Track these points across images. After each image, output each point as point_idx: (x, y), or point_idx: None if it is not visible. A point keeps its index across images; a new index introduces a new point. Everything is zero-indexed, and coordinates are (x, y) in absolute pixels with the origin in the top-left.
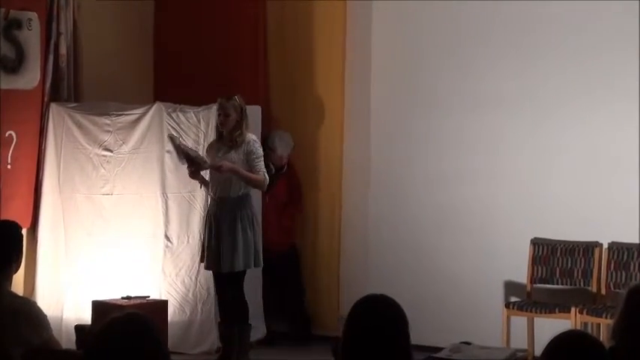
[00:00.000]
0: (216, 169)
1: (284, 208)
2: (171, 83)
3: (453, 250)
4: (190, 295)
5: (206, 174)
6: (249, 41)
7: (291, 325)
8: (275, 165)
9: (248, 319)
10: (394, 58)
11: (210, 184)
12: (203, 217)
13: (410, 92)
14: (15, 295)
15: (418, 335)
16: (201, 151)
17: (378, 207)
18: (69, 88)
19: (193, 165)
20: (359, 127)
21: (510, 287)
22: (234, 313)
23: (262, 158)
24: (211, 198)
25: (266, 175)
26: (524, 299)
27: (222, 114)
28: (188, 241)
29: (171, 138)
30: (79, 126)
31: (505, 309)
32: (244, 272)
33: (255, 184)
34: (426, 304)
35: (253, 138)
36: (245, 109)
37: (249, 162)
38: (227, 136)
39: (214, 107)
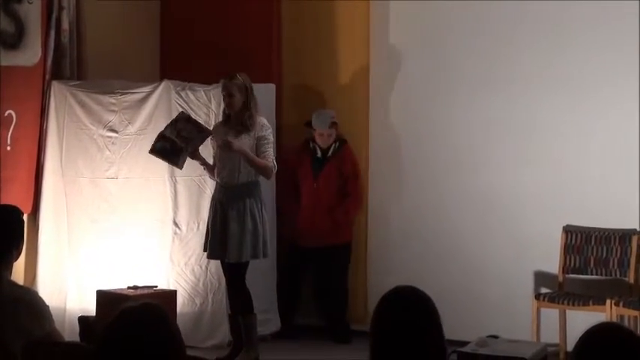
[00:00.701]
0: (226, 147)
1: (337, 199)
2: (180, 60)
3: (482, 239)
4: (200, 284)
5: (209, 158)
6: (263, 14)
7: (329, 321)
8: (320, 146)
9: (252, 308)
10: (416, 44)
11: (216, 169)
12: None
13: (436, 77)
14: (15, 285)
15: (444, 328)
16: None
17: (405, 196)
18: (71, 65)
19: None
20: (384, 115)
21: (541, 278)
22: (237, 303)
23: (272, 145)
24: (217, 183)
25: (274, 162)
26: (555, 290)
27: (226, 95)
28: (198, 228)
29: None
30: (83, 105)
31: (535, 301)
32: (248, 263)
33: (261, 171)
34: (453, 296)
35: (265, 122)
36: (251, 88)
37: (258, 147)
38: (235, 119)
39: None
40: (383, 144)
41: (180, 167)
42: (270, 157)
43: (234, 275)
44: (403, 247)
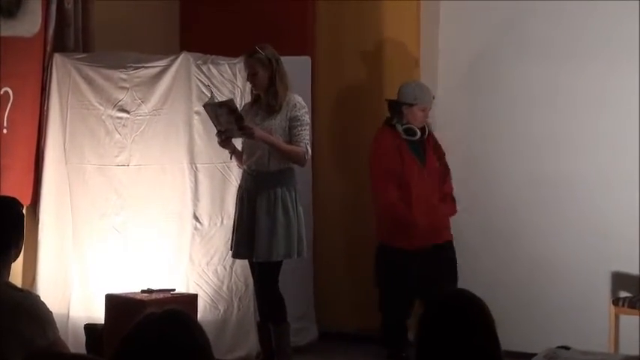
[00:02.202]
0: (248, 136)
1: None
2: (203, 29)
3: (550, 235)
4: (224, 288)
5: (237, 142)
6: None
7: None
8: (415, 127)
9: (286, 316)
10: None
11: (244, 155)
12: None
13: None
14: (15, 288)
15: (506, 339)
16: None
17: (460, 188)
18: (76, 36)
19: (221, 133)
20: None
21: (620, 279)
22: (269, 309)
23: (307, 126)
24: (245, 171)
25: (308, 147)
26: (636, 295)
27: (249, 73)
28: (222, 222)
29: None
30: (89, 81)
31: (613, 306)
32: (281, 263)
33: (293, 158)
34: (516, 300)
35: (299, 101)
36: (278, 62)
37: (290, 129)
38: (264, 99)
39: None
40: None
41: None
42: (303, 141)
43: (265, 277)
44: (457, 246)
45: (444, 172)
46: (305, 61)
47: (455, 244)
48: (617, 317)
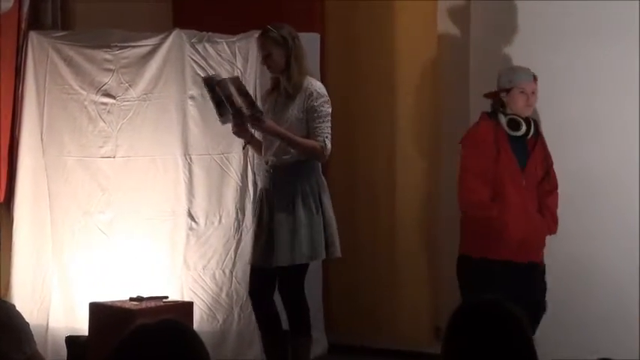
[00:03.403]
0: (256, 126)
1: (541, 192)
2: (197, 3)
3: (583, 235)
4: (224, 295)
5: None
6: None
7: None
8: (519, 117)
9: (310, 329)
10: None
11: (263, 147)
12: (239, 188)
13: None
14: None
15: (538, 350)
16: None
17: None
18: (54, 11)
19: (239, 116)
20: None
21: None
22: (292, 320)
23: (327, 118)
24: (263, 167)
25: (327, 142)
26: None
27: (262, 54)
28: (220, 221)
29: (207, 80)
30: (69, 63)
31: None
32: (307, 267)
33: (308, 153)
34: (549, 309)
35: (316, 89)
36: (293, 41)
37: (308, 121)
38: (282, 84)
39: (255, 35)
40: (454, 129)
41: (222, 122)
42: (321, 134)
43: (289, 283)
44: None
45: (548, 182)
46: (313, 38)
47: None
48: None
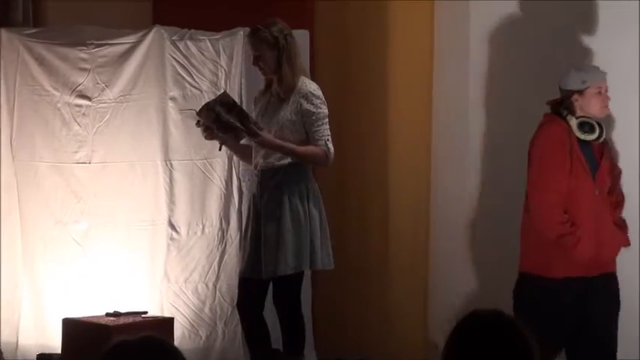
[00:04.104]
0: (253, 139)
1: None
2: None
3: None
4: (207, 310)
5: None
6: None
7: None
8: (589, 121)
9: (303, 345)
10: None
11: (253, 152)
12: (223, 195)
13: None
14: None
15: None
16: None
17: (473, 197)
18: (26, 7)
19: (233, 131)
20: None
21: None
22: (286, 335)
23: (325, 120)
24: (253, 172)
25: (329, 145)
26: None
27: (253, 55)
28: (203, 231)
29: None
30: (41, 62)
31: None
32: (300, 277)
33: (312, 161)
34: None
35: (311, 90)
36: (285, 39)
37: (305, 125)
38: (275, 85)
39: (241, 32)
40: (449, 131)
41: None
42: (321, 137)
43: (281, 296)
44: (477, 259)
45: (617, 193)
46: (303, 35)
47: (471, 258)
48: None
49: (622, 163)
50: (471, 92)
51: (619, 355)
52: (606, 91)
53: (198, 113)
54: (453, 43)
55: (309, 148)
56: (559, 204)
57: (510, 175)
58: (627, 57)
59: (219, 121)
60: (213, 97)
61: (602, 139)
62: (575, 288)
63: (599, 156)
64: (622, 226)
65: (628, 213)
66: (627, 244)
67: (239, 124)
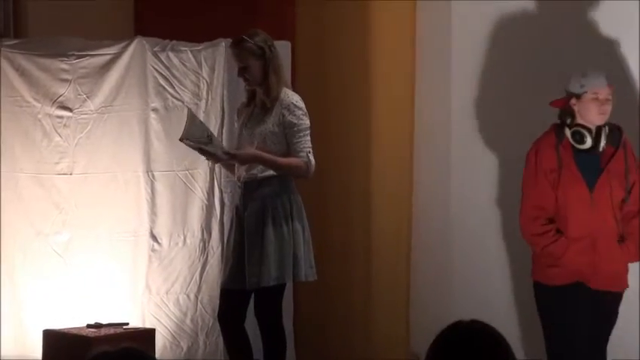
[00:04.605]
0: (238, 163)
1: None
2: (160, 9)
3: None
4: (188, 321)
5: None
6: None
7: None
8: (587, 129)
9: (284, 356)
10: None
11: (235, 165)
12: (205, 206)
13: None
14: None
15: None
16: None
17: (455, 203)
18: (6, 18)
19: (206, 154)
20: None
21: None
22: (267, 347)
23: (306, 131)
24: (236, 184)
25: (310, 156)
26: None
27: (238, 66)
28: (184, 242)
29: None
30: (22, 73)
31: None
32: (282, 289)
33: (293, 172)
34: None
35: (293, 101)
36: (270, 50)
37: (286, 137)
38: (259, 97)
39: (223, 44)
40: (432, 138)
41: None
42: (302, 149)
43: (263, 307)
44: (459, 269)
45: (633, 202)
46: (284, 46)
47: (452, 268)
48: None
49: None
50: (453, 94)
51: (619, 355)
52: (607, 99)
53: (184, 142)
54: (434, 47)
55: (291, 160)
56: (538, 217)
57: (492, 178)
58: (615, 59)
59: (200, 148)
60: (191, 115)
61: (599, 148)
62: (571, 295)
63: (606, 164)
64: (631, 239)
65: None
66: (633, 259)
67: (217, 152)
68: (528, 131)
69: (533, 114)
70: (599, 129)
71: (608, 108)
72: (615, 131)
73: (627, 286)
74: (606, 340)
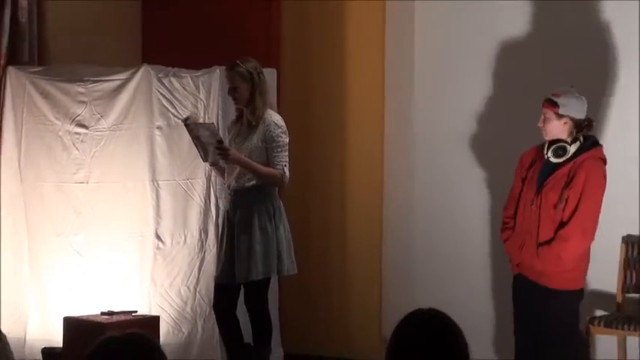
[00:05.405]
0: (222, 157)
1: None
2: (164, 40)
3: None
4: (188, 309)
5: None
6: None
7: None
8: (546, 137)
9: (270, 341)
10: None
11: (226, 172)
12: (202, 211)
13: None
14: None
15: (479, 354)
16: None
17: (423, 203)
18: (31, 48)
19: (206, 148)
20: (401, 112)
21: (596, 298)
22: (255, 332)
23: (284, 147)
24: (227, 192)
25: (285, 170)
26: (613, 313)
27: (229, 86)
28: (185, 241)
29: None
30: (45, 95)
31: (589, 325)
32: (268, 282)
33: (269, 181)
34: (487, 315)
35: (275, 121)
36: (258, 76)
37: (267, 151)
38: (245, 115)
39: (218, 71)
40: (402, 138)
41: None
42: (279, 163)
43: (251, 298)
44: (425, 263)
45: (559, 212)
46: (271, 73)
47: (420, 262)
48: (593, 336)
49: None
50: (415, 99)
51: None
52: (543, 116)
53: (185, 123)
54: (400, 66)
55: (268, 169)
56: (507, 206)
57: (454, 174)
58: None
59: (198, 138)
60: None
61: (559, 160)
62: (518, 284)
63: (557, 174)
64: (552, 245)
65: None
66: (548, 266)
67: (213, 143)
68: (484, 124)
69: (490, 106)
70: (559, 142)
71: (542, 124)
72: (581, 148)
73: (575, 287)
74: (553, 338)
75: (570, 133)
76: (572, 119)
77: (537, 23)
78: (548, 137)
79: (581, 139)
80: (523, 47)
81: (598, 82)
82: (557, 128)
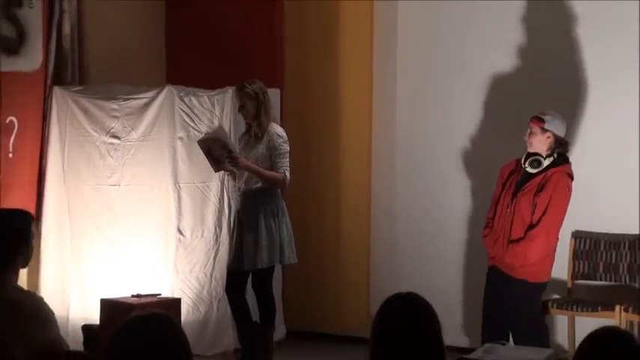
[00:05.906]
0: (233, 165)
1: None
2: (187, 63)
3: None
4: (205, 292)
5: None
6: (266, 19)
7: None
8: (530, 149)
9: (274, 320)
10: (420, 55)
11: (237, 176)
12: (217, 209)
13: (444, 78)
14: (21, 290)
15: (450, 336)
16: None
17: (408, 197)
18: (73, 71)
19: (216, 163)
20: (389, 117)
21: (550, 284)
22: (261, 312)
23: (286, 154)
24: (237, 193)
25: (287, 173)
26: (564, 297)
27: (239, 104)
28: (202, 235)
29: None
30: (85, 111)
31: (545, 306)
32: (272, 270)
33: (273, 183)
34: (459, 301)
35: (277, 132)
36: (263, 95)
37: (270, 158)
38: (253, 129)
39: (230, 91)
40: (386, 144)
41: (215, 170)
42: (281, 168)
43: (258, 283)
44: (407, 254)
45: (530, 217)
46: (275, 93)
47: (404, 249)
48: (547, 317)
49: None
50: (398, 101)
51: None
52: (528, 131)
53: (199, 143)
54: (386, 87)
55: (272, 173)
56: (489, 210)
57: (433, 177)
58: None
59: (209, 152)
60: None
61: (533, 170)
62: (491, 274)
63: (530, 184)
64: (519, 244)
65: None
66: (522, 257)
67: (225, 155)
68: (462, 124)
69: (470, 110)
70: (535, 155)
71: (528, 138)
72: (554, 163)
73: (539, 280)
74: (517, 320)
75: (549, 148)
76: (554, 135)
77: (522, 25)
78: (531, 149)
79: (555, 155)
80: (507, 51)
81: (593, 81)
82: (540, 142)
